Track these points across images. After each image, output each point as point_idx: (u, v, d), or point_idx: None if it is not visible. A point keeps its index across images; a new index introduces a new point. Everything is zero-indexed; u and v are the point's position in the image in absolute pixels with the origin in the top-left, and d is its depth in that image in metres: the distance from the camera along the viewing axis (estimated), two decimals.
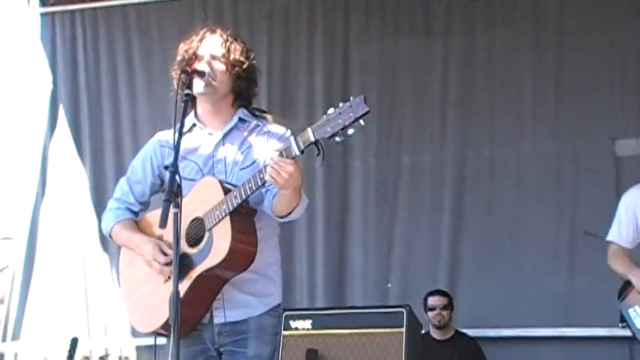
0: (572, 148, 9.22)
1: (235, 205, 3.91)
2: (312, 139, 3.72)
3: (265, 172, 3.78)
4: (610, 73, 9.24)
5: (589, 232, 8.75)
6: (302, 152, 3.77)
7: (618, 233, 5.81)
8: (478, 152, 9.60)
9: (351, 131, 3.70)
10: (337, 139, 3.72)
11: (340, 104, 3.72)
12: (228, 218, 3.93)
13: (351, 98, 3.72)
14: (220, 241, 3.94)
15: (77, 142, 10.68)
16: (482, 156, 9.57)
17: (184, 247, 3.99)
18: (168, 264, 3.94)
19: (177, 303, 3.59)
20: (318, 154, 3.79)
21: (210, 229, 3.99)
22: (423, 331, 8.15)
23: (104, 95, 10.71)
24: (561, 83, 9.39)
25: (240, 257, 4.01)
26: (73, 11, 10.97)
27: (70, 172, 10.67)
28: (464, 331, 8.61)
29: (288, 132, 4.18)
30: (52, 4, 11.01)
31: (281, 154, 3.75)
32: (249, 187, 3.88)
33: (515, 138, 9.48)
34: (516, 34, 9.60)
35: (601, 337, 8.34)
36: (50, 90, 10.87)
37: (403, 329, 6.66)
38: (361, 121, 3.69)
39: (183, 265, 3.93)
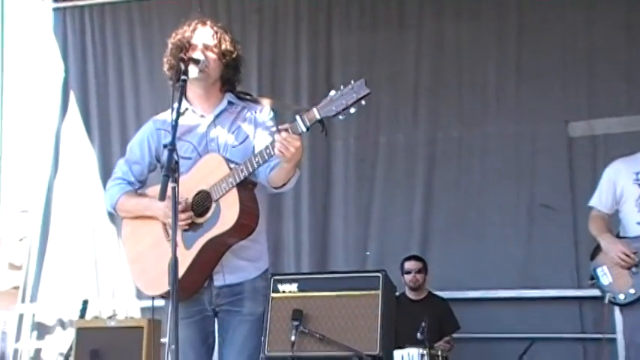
0: (531, 130, 9.29)
1: (242, 177, 3.94)
2: (318, 117, 3.77)
3: (273, 147, 3.82)
4: (563, 63, 9.30)
5: (545, 204, 8.87)
6: (308, 129, 3.81)
7: (599, 199, 5.80)
8: (447, 133, 9.65)
9: (352, 110, 3.76)
10: (340, 117, 3.78)
11: (342, 87, 3.78)
12: (235, 190, 3.95)
13: (353, 81, 3.78)
14: (228, 210, 3.96)
15: (86, 124, 10.73)
16: (451, 136, 9.63)
17: (194, 218, 4.03)
18: (183, 211, 3.97)
19: (176, 270, 3.63)
20: (322, 131, 3.85)
21: (217, 200, 4.00)
22: (400, 293, 8.25)
23: (110, 82, 10.75)
24: (521, 71, 9.45)
25: (246, 225, 4.04)
26: (82, 7, 11.00)
27: (80, 152, 10.71)
28: (436, 292, 8.65)
29: (272, 113, 4.24)
30: (64, 0, 11.04)
31: (288, 131, 3.78)
32: (257, 162, 3.91)
33: (480, 120, 9.55)
34: (481, 26, 9.65)
35: (554, 297, 8.41)
36: (62, 78, 10.90)
37: (379, 291, 6.56)
38: (362, 101, 3.76)
39: (192, 233, 4.03)
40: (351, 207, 9.86)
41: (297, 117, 3.83)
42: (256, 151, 3.99)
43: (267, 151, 3.88)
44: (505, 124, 9.46)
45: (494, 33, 9.65)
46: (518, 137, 9.38)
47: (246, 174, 3.95)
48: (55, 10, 11.10)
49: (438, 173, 9.64)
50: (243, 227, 4.03)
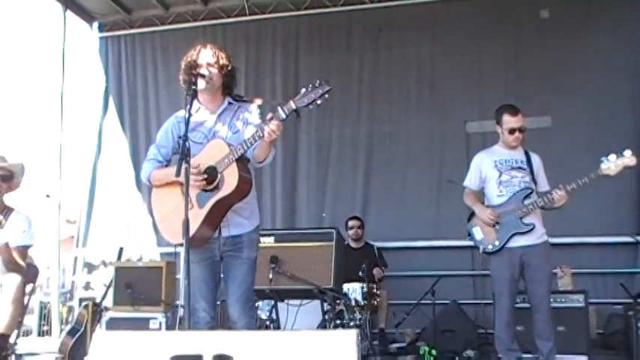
0: (440, 127, 9.43)
1: (239, 154, 4.00)
2: (294, 107, 3.85)
3: (262, 132, 3.88)
4: (462, 79, 9.41)
5: (449, 180, 8.88)
6: (287, 116, 3.88)
7: (469, 180, 5.78)
8: (381, 128, 9.77)
9: (319, 102, 3.84)
10: (310, 107, 3.85)
11: (310, 85, 3.86)
12: (234, 163, 4.01)
13: (318, 81, 3.86)
14: (230, 178, 4.02)
15: (121, 120, 10.76)
16: (383, 131, 9.75)
17: (205, 185, 4.06)
18: (198, 174, 4.03)
19: (188, 227, 3.73)
20: (297, 117, 3.95)
21: (221, 172, 4.03)
22: (345, 243, 8.25)
23: (138, 90, 10.76)
24: (433, 85, 9.57)
25: (243, 189, 4.08)
26: (119, 36, 11.03)
27: (117, 141, 10.73)
28: (371, 242, 8.66)
29: (258, 110, 4.26)
30: (106, 31, 11.08)
31: (272, 118, 3.87)
32: (250, 142, 3.97)
33: (404, 119, 9.66)
34: (405, 53, 9.73)
35: (454, 246, 8.52)
36: (104, 87, 10.93)
37: (333, 243, 6.70)
38: (326, 96, 3.85)
39: (204, 196, 4.05)
40: (312, 181, 9.93)
41: (279, 107, 3.90)
42: (248, 136, 4.03)
43: (257, 134, 3.94)
44: (421, 123, 9.56)
45: (415, 56, 9.72)
46: (430, 132, 9.50)
47: (242, 152, 4.01)
48: (101, 38, 11.12)
49: (374, 158, 9.74)
50: (242, 190, 4.08)
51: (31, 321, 11.58)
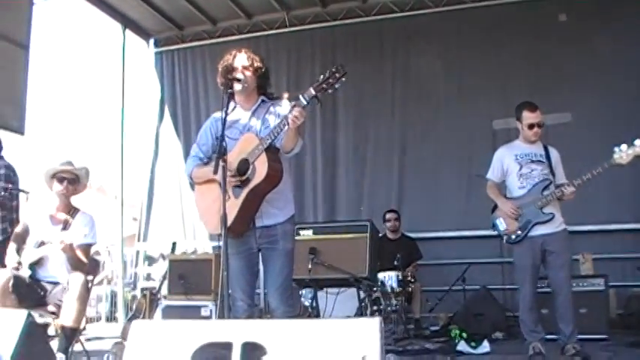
0: (468, 125, 9.22)
1: (267, 144, 3.91)
2: (314, 93, 3.75)
3: (286, 120, 3.80)
4: (488, 78, 9.22)
5: (478, 174, 8.78)
6: (308, 103, 3.78)
7: (492, 173, 5.69)
8: (414, 129, 9.63)
9: (337, 86, 3.73)
10: (329, 91, 3.74)
11: (328, 72, 3.76)
12: (264, 153, 3.92)
13: (335, 67, 3.76)
14: (261, 167, 3.92)
15: (175, 127, 10.82)
16: (417, 130, 9.60)
17: (239, 177, 3.98)
18: (233, 176, 3.95)
19: (225, 220, 3.69)
20: (318, 103, 3.80)
21: (252, 162, 3.95)
22: (382, 234, 8.17)
23: (190, 98, 10.80)
24: (461, 85, 9.42)
25: (273, 176, 3.97)
26: (172, 50, 11.12)
27: (171, 144, 10.79)
28: (407, 233, 8.58)
29: (289, 106, 4.01)
30: (161, 46, 11.19)
31: (296, 106, 3.78)
32: (276, 131, 3.88)
33: (434, 119, 9.50)
34: (434, 56, 9.58)
35: (483, 235, 8.11)
36: (160, 97, 11.04)
37: (367, 234, 6.64)
38: (343, 79, 3.73)
39: (238, 188, 3.97)
40: (351, 178, 9.84)
41: (300, 95, 3.80)
42: (274, 125, 3.96)
43: (282, 123, 3.87)
44: (450, 122, 9.38)
45: (443, 61, 9.56)
46: (459, 130, 9.31)
47: (270, 141, 3.92)
48: (156, 53, 11.23)
49: (407, 155, 9.61)
50: (272, 178, 3.97)
51: (101, 308, 11.76)
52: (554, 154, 5.61)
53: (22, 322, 3.21)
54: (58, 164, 5.41)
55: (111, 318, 11.52)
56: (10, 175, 6.28)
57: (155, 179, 10.83)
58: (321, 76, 3.75)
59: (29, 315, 3.26)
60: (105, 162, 13.77)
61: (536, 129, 5.54)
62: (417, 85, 9.68)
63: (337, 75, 3.73)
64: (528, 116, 5.56)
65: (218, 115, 4.23)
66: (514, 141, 5.79)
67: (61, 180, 5.34)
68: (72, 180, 5.38)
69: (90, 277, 5.34)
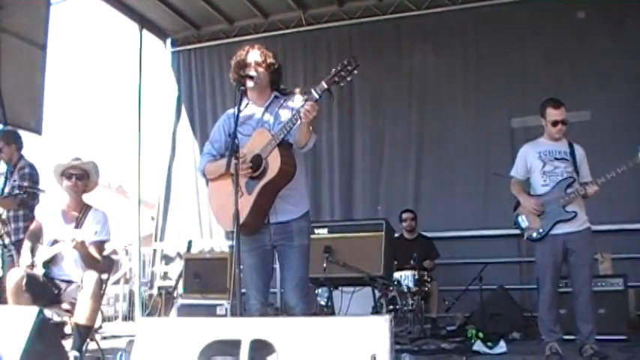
0: (486, 123, 9.23)
1: (280, 139, 3.88)
2: (325, 86, 3.70)
3: (298, 114, 3.76)
4: (508, 81, 9.21)
5: (496, 173, 8.74)
6: (320, 97, 3.73)
7: (516, 171, 5.67)
8: (431, 127, 9.60)
9: (349, 78, 3.66)
10: (341, 84, 3.69)
11: (339, 65, 3.69)
12: (276, 148, 3.89)
13: (347, 60, 3.69)
14: (273, 163, 3.89)
15: (192, 126, 10.87)
16: (433, 129, 9.59)
17: (251, 173, 3.95)
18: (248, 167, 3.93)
19: (238, 217, 3.66)
20: (330, 96, 3.75)
21: (265, 158, 3.92)
22: (399, 234, 8.19)
23: (207, 98, 10.86)
24: (479, 83, 9.40)
25: (286, 171, 3.94)
26: (189, 50, 11.18)
27: (188, 143, 10.84)
28: (423, 233, 8.58)
29: (302, 101, 3.94)
30: (178, 46, 11.26)
31: (307, 100, 3.74)
32: (289, 126, 3.85)
33: (452, 117, 9.47)
34: (452, 54, 9.63)
35: (500, 235, 8.35)
36: (177, 96, 11.09)
37: (382, 233, 6.62)
38: (355, 72, 3.66)
39: (252, 183, 3.94)
40: (368, 176, 9.83)
41: (312, 89, 3.75)
42: (287, 120, 3.92)
43: (295, 117, 3.83)
44: (468, 120, 9.38)
45: (461, 60, 9.58)
46: (477, 128, 9.30)
47: (283, 136, 3.89)
48: (173, 52, 11.30)
49: (424, 154, 9.59)
50: (285, 173, 3.94)
51: (119, 307, 11.82)
52: (579, 151, 5.56)
53: (32, 319, 3.21)
54: (66, 161, 5.41)
55: (128, 317, 11.58)
56: (34, 175, 6.39)
57: (172, 178, 10.89)
58: (333, 69, 3.69)
59: (40, 312, 3.26)
60: (125, 162, 13.85)
61: (560, 126, 5.50)
62: (434, 83, 9.68)
63: (349, 67, 3.66)
64: (552, 113, 5.52)
65: (231, 111, 4.20)
66: (539, 138, 5.73)
67: (69, 176, 5.34)
68: (80, 176, 5.37)
69: (105, 276, 5.33)
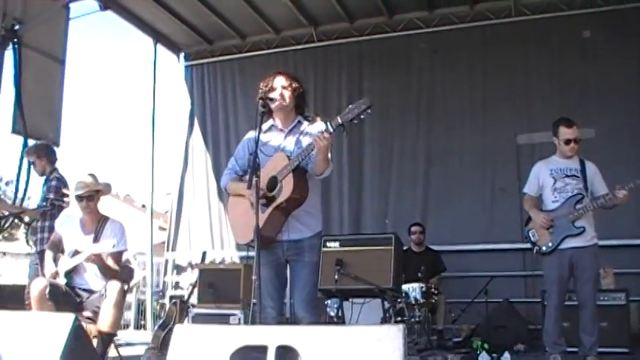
0: (492, 139, 9.35)
1: (295, 165, 4.09)
2: (340, 122, 3.90)
3: (313, 145, 3.97)
4: (513, 98, 9.34)
5: (501, 188, 8.96)
6: (334, 130, 3.93)
7: (529, 187, 5.83)
8: (438, 142, 9.73)
9: (362, 117, 3.86)
10: (355, 121, 3.89)
11: (355, 103, 3.88)
12: (291, 173, 4.09)
13: (362, 100, 3.88)
14: (287, 186, 4.09)
15: (205, 138, 11.02)
16: (440, 144, 9.72)
17: (266, 193, 4.13)
18: (262, 197, 4.05)
19: (258, 232, 3.87)
20: (343, 131, 3.95)
21: (280, 181, 4.12)
22: (407, 247, 8.29)
23: (219, 111, 11.00)
24: (486, 100, 9.52)
25: (295, 200, 4.13)
26: (202, 64, 11.36)
27: (200, 155, 10.99)
28: (431, 246, 8.67)
29: (324, 127, 4.13)
30: (191, 60, 11.45)
31: (322, 132, 3.95)
32: (304, 154, 4.06)
33: (459, 133, 9.60)
34: (459, 71, 9.75)
35: (506, 249, 8.53)
36: (190, 108, 11.25)
37: (392, 247, 6.71)
38: (368, 111, 3.86)
39: (266, 202, 4.12)
40: (376, 191, 9.95)
41: (327, 122, 3.98)
42: (303, 149, 4.12)
43: (310, 146, 4.04)
44: (475, 136, 9.51)
45: (468, 77, 9.71)
46: (483, 144, 9.42)
47: (298, 162, 4.09)
48: (186, 66, 11.50)
49: (432, 169, 9.71)
50: (296, 198, 4.13)
51: (129, 316, 11.98)
52: (590, 168, 5.74)
53: (69, 325, 3.40)
54: (77, 182, 5.60)
55: (138, 325, 11.74)
56: (60, 187, 6.60)
57: (184, 190, 11.03)
58: (348, 107, 3.91)
59: (76, 318, 3.45)
60: (132, 172, 14.05)
61: (572, 144, 5.71)
62: (442, 99, 9.81)
63: (364, 106, 3.87)
64: (565, 132, 5.72)
65: (253, 135, 4.38)
66: (551, 156, 5.92)
67: (80, 199, 5.54)
68: (90, 197, 5.56)
69: (126, 286, 5.54)
